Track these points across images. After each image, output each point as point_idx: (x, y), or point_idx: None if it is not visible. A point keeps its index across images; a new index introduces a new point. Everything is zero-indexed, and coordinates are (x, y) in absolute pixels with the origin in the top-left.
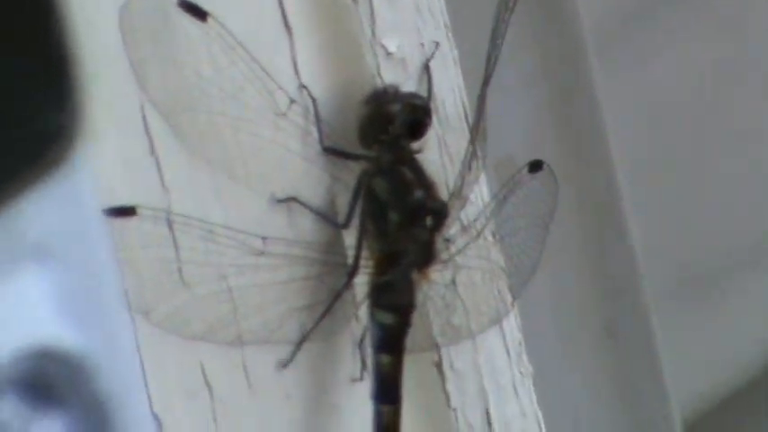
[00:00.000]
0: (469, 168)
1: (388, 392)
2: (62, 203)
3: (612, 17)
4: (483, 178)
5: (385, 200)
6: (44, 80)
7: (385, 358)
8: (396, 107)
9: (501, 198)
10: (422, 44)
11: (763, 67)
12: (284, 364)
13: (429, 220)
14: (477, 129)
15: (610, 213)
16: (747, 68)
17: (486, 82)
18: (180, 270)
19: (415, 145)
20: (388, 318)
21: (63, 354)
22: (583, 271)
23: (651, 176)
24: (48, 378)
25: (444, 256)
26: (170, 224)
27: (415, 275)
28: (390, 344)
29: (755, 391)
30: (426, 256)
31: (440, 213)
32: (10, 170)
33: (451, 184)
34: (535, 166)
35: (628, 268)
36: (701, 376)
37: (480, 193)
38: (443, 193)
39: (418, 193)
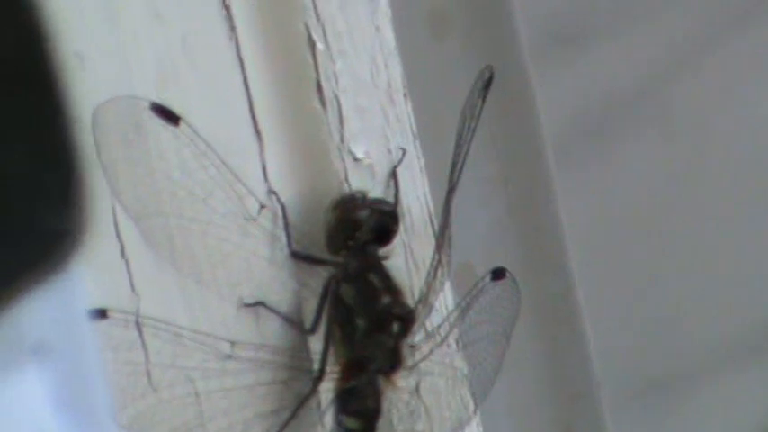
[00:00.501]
0: (435, 275)
1: None
2: (59, 304)
3: (572, 124)
4: (447, 285)
5: (352, 305)
6: (51, 185)
7: None
8: (363, 213)
9: (464, 305)
10: (389, 150)
11: (719, 171)
12: None
13: (396, 327)
14: (443, 236)
15: (567, 318)
16: (703, 172)
17: (451, 190)
18: (148, 373)
19: (382, 251)
20: (353, 423)
21: None
22: (540, 376)
23: (608, 280)
24: None
25: (409, 362)
26: (139, 327)
27: (381, 381)
28: None
29: None
30: (393, 363)
31: (407, 320)
32: (15, 271)
33: (417, 291)
34: (498, 274)
35: (585, 373)
36: None
37: (444, 299)
38: (410, 300)
39: (385, 300)
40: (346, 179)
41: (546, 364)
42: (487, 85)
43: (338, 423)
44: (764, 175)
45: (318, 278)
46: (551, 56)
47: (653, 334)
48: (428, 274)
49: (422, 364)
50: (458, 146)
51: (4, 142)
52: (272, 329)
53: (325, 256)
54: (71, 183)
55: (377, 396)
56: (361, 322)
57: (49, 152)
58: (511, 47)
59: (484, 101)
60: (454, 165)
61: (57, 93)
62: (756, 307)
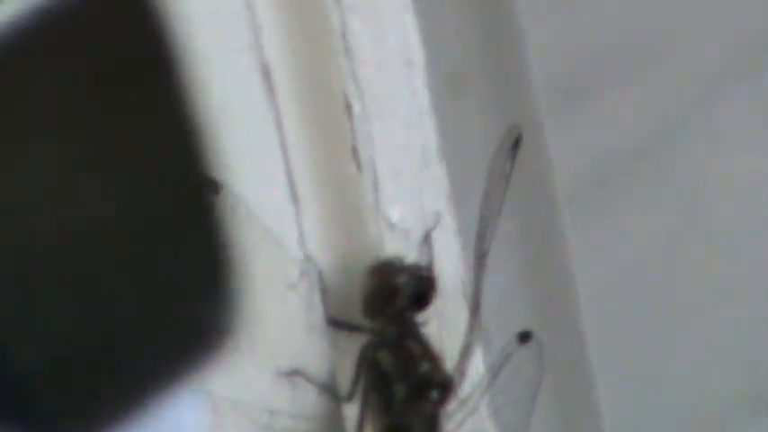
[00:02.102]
0: (468, 342)
1: None
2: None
3: (583, 180)
4: (478, 351)
5: (390, 372)
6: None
7: None
8: (401, 279)
9: (495, 370)
10: (424, 214)
11: (718, 236)
12: None
13: (435, 394)
14: (475, 302)
15: (579, 381)
16: (713, 228)
17: (483, 254)
18: None
19: (419, 317)
20: None
21: None
22: None
23: (621, 340)
24: None
25: (446, 430)
26: None
27: None
28: None
29: None
30: (431, 431)
31: (446, 387)
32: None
33: (450, 357)
34: (524, 337)
35: None
36: None
37: (475, 365)
38: (446, 366)
39: (424, 367)
40: (382, 244)
41: (557, 426)
42: (516, 145)
43: None
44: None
45: (356, 345)
46: (562, 112)
47: (666, 394)
48: (464, 340)
49: None
50: (486, 208)
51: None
52: (309, 398)
53: (363, 322)
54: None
55: None
56: (399, 389)
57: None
58: (525, 103)
59: (513, 161)
60: (484, 228)
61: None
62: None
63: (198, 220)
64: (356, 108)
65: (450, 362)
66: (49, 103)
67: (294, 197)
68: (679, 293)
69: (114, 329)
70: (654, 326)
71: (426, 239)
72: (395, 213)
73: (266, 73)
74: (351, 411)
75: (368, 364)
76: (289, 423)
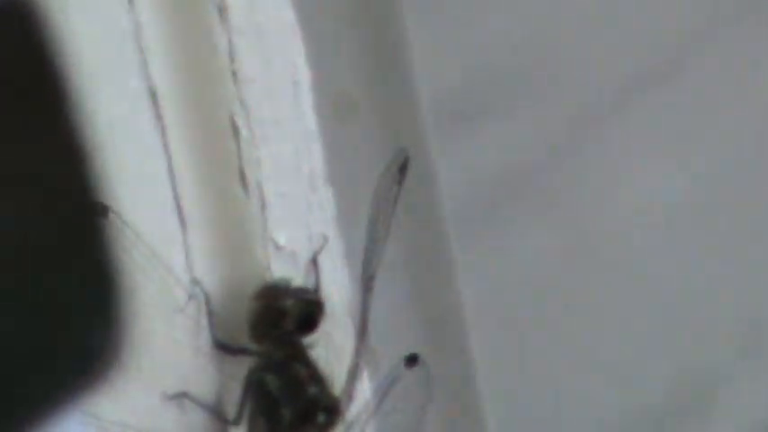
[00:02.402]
0: (355, 364)
1: None
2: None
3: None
4: (365, 374)
5: (277, 396)
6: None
7: None
8: (288, 302)
9: (381, 394)
10: (311, 237)
11: (605, 256)
12: None
13: (321, 418)
14: (363, 325)
15: (466, 404)
16: (600, 248)
17: (370, 278)
18: None
19: (306, 340)
20: None
21: None
22: None
23: (509, 362)
24: None
25: None
26: None
27: None
28: None
29: None
30: None
31: (333, 410)
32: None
33: (338, 380)
34: (411, 360)
35: None
36: None
37: (363, 388)
38: (334, 390)
39: (311, 390)
40: (269, 267)
41: None
42: (403, 168)
43: None
44: (659, 253)
45: (243, 368)
46: (451, 134)
47: (554, 415)
48: (351, 363)
49: None
50: (374, 231)
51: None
52: (196, 421)
53: (250, 345)
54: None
55: None
56: (286, 413)
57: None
58: (413, 126)
59: (401, 185)
60: (371, 251)
61: None
62: (654, 380)
63: (84, 243)
64: (243, 131)
65: (337, 385)
66: None
67: (181, 220)
68: (567, 315)
69: None
70: (542, 347)
71: (313, 262)
72: (282, 237)
73: (153, 95)
74: None
75: (255, 388)
76: None
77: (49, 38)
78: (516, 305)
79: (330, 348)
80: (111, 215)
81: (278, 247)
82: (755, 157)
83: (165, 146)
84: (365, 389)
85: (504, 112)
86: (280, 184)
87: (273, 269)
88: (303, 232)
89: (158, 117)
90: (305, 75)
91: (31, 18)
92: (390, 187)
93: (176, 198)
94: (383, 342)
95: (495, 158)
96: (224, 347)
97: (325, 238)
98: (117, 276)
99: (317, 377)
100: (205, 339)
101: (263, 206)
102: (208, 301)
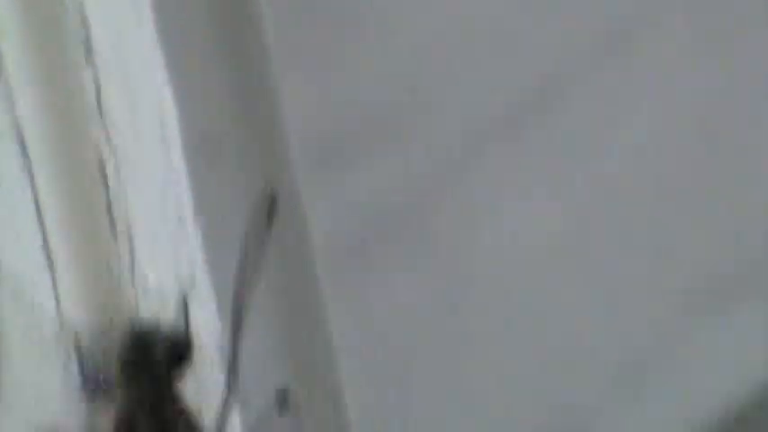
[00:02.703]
0: (226, 403)
1: None
2: None
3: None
4: (236, 413)
5: None
6: None
7: None
8: (157, 343)
9: (251, 430)
10: (179, 278)
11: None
12: None
13: None
14: (233, 363)
15: None
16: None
17: (239, 319)
18: None
19: (176, 380)
20: None
21: None
22: None
23: (382, 404)
24: None
25: None
26: None
27: None
28: None
29: None
30: None
31: None
32: None
33: (208, 419)
34: (281, 398)
35: None
36: None
37: (233, 427)
38: (204, 429)
39: (181, 430)
40: (137, 308)
41: None
42: (272, 208)
43: None
44: (532, 293)
45: (112, 408)
46: (322, 174)
47: None
48: (221, 402)
49: None
50: (244, 271)
51: None
52: None
53: (120, 385)
54: None
55: None
56: None
57: None
58: (283, 166)
59: (270, 225)
60: (241, 291)
61: None
62: (526, 422)
63: None
64: (110, 172)
65: (207, 424)
66: None
67: (49, 261)
68: (443, 357)
69: None
70: (417, 389)
71: (182, 303)
72: (150, 278)
73: (19, 135)
74: None
75: (125, 428)
76: None
77: None
78: (389, 347)
79: (200, 388)
80: None
81: (146, 289)
82: (628, 193)
83: (33, 186)
84: (235, 427)
85: (375, 152)
86: (148, 226)
87: (142, 310)
88: (172, 273)
89: (25, 157)
90: (172, 115)
91: None
92: (259, 227)
93: (44, 239)
94: (253, 381)
95: (366, 200)
96: (93, 387)
97: (195, 279)
98: None
99: (186, 417)
100: (75, 380)
101: (132, 248)
102: (77, 341)
